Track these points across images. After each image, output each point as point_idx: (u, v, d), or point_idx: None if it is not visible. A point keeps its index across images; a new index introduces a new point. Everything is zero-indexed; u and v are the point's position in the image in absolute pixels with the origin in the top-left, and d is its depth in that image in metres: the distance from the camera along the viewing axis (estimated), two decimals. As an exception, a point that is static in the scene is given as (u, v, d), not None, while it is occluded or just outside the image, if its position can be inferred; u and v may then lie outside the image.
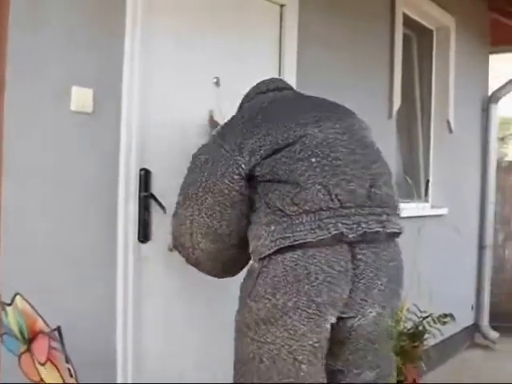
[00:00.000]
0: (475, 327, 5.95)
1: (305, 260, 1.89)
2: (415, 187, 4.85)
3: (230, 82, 2.86)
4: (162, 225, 2.52)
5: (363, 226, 1.95)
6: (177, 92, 2.64)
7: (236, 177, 2.02)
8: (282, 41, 3.18)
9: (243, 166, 2.01)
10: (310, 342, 1.93)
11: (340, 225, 1.91)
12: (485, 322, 5.95)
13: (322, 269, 1.89)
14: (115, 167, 2.37)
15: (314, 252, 1.90)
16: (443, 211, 4.93)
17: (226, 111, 2.76)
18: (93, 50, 2.27)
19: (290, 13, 3.19)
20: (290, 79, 3.14)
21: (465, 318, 5.72)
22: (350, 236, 1.92)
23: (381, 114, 4.08)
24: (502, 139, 19.46)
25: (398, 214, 2.12)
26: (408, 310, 3.70)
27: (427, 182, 4.96)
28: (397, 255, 2.10)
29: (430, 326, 3.74)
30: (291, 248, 1.90)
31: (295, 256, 1.90)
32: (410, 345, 3.45)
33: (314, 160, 1.98)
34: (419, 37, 5.04)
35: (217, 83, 2.80)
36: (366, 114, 3.83)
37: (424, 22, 4.95)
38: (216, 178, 2.04)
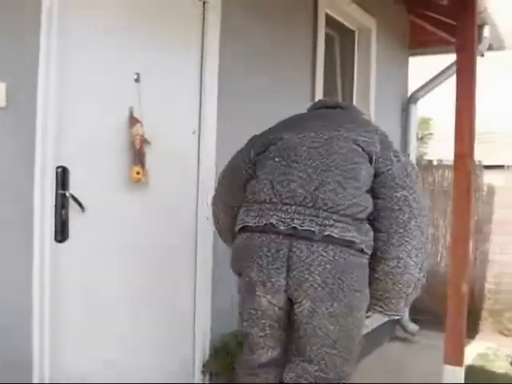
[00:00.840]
0: (396, 320, 6.10)
1: (248, 240, 2.25)
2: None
3: (151, 78, 2.82)
4: (80, 224, 2.46)
5: (296, 222, 2.15)
6: (95, 87, 2.58)
7: (246, 160, 2.47)
8: (204, 38, 3.14)
9: (251, 155, 2.46)
10: (248, 308, 2.28)
11: (275, 217, 2.19)
12: (405, 315, 6.10)
13: (255, 250, 2.20)
14: (30, 165, 2.30)
15: (254, 236, 2.22)
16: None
17: (146, 108, 2.73)
18: (6, 44, 2.19)
19: (212, 10, 3.16)
20: (211, 77, 3.15)
21: (385, 312, 5.87)
22: (281, 228, 2.16)
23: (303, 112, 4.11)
24: (421, 139, 20.13)
25: (350, 223, 2.16)
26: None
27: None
28: (338, 261, 2.14)
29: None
30: (243, 229, 2.29)
31: (244, 236, 2.29)
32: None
33: (276, 160, 2.31)
34: (342, 37, 5.12)
35: (137, 79, 2.75)
36: (287, 112, 3.89)
37: (346, 23, 5.03)
38: (236, 161, 2.55)
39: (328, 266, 2.12)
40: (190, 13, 3.09)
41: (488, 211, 7.10)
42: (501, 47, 6.57)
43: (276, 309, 2.23)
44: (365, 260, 2.22)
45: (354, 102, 5.12)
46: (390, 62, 5.69)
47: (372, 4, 5.12)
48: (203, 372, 3.19)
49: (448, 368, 3.88)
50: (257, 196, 2.28)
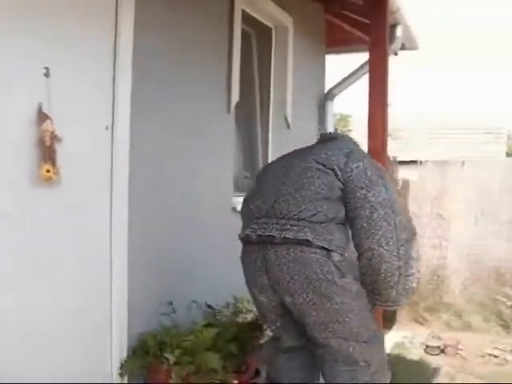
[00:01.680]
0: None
1: (242, 251, 2.83)
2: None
3: (62, 73, 2.73)
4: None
5: (260, 231, 2.66)
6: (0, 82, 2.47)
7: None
8: (117, 33, 3.06)
9: None
10: (256, 305, 2.90)
11: (249, 229, 2.73)
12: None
13: (243, 258, 2.80)
14: None
15: (244, 246, 2.81)
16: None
17: (56, 103, 2.65)
18: None
19: (126, 4, 3.07)
20: (124, 72, 3.08)
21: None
22: (254, 237, 2.68)
23: (219, 109, 4.12)
24: (340, 135, 20.50)
25: (305, 225, 2.57)
26: (248, 301, 3.79)
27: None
28: (298, 259, 2.53)
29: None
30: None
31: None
32: (249, 335, 3.54)
33: (256, 184, 2.94)
34: (259, 34, 5.14)
35: (46, 74, 2.65)
36: (203, 108, 3.89)
37: (263, 20, 5.06)
38: None
39: (291, 263, 2.54)
40: (103, 6, 3.01)
41: (403, 205, 7.33)
42: (413, 47, 6.79)
43: (273, 303, 2.72)
44: (326, 257, 2.52)
45: (272, 98, 5.17)
46: (307, 60, 5.77)
47: (289, 2, 5.18)
48: (121, 373, 3.13)
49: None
50: (243, 213, 2.92)
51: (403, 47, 6.46)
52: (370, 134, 3.71)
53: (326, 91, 6.24)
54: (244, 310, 3.76)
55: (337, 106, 6.50)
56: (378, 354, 2.71)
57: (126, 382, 3.15)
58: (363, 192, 2.56)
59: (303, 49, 5.58)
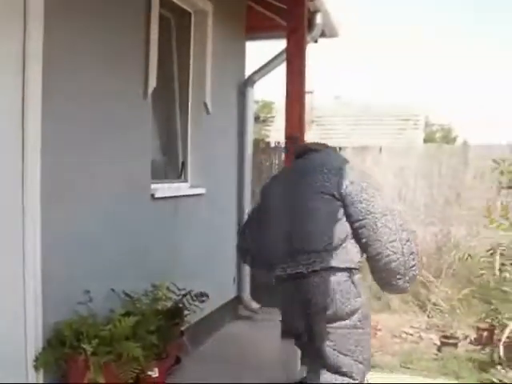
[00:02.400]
0: (238, 299, 6.25)
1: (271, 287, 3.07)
2: (173, 168, 4.92)
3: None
4: None
5: (289, 269, 2.91)
6: None
7: None
8: (26, 11, 2.93)
9: None
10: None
11: (279, 269, 2.96)
12: (246, 293, 6.27)
13: (273, 293, 3.09)
14: None
15: (275, 283, 3.02)
16: (201, 190, 5.07)
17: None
18: None
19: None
20: (35, 56, 2.97)
21: (228, 292, 5.99)
22: (285, 276, 2.92)
23: (135, 95, 4.05)
24: (263, 121, 20.73)
25: (328, 255, 2.87)
26: (168, 288, 3.78)
27: (182, 162, 5.05)
28: (327, 283, 2.86)
29: (190, 303, 3.86)
30: None
31: None
32: (169, 323, 3.53)
33: (261, 218, 3.21)
34: (178, 19, 5.08)
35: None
36: (119, 94, 3.81)
37: (182, 5, 4.99)
38: None
39: (317, 288, 2.85)
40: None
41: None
42: (333, 34, 6.87)
43: (299, 329, 2.98)
44: (347, 277, 2.88)
45: (190, 84, 5.13)
46: (227, 46, 5.75)
47: (208, -13, 5.13)
48: (36, 366, 3.04)
49: (286, 342, 4.02)
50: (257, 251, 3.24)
51: (323, 34, 6.53)
52: (287, 120, 3.75)
53: (246, 77, 6.23)
54: (163, 298, 3.74)
55: (260, 93, 6.53)
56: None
57: (41, 375, 3.07)
58: (363, 205, 2.85)
59: (223, 34, 5.55)
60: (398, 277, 2.91)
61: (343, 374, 2.95)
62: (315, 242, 2.92)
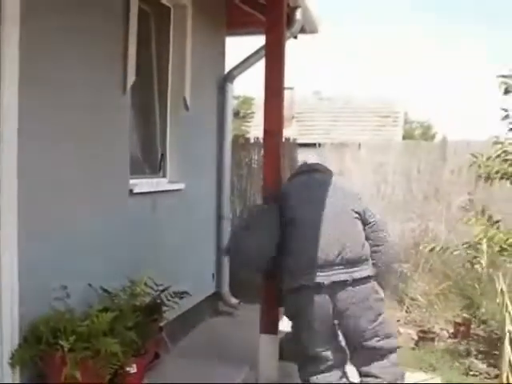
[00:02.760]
0: (217, 295, 6.25)
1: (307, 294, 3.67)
2: (152, 163, 4.90)
3: None
4: None
5: (333, 277, 3.57)
6: None
7: None
8: (2, 8, 2.89)
9: None
10: (311, 334, 3.71)
11: (321, 277, 3.58)
12: (225, 289, 6.27)
13: (308, 300, 3.65)
14: None
15: (310, 290, 3.64)
16: (180, 186, 5.05)
17: None
18: None
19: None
20: (11, 52, 2.93)
21: (207, 287, 5.99)
22: (326, 283, 3.56)
23: (114, 89, 4.02)
24: (243, 117, 20.73)
25: (365, 264, 3.68)
26: (146, 284, 3.76)
27: (161, 156, 5.02)
28: (364, 290, 3.63)
29: (168, 299, 3.85)
30: None
31: None
32: (147, 319, 3.51)
33: (295, 230, 3.80)
34: (157, 13, 5.04)
35: None
36: (98, 89, 3.79)
37: (161, -1, 4.97)
38: None
39: (356, 295, 3.60)
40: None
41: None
42: (313, 30, 6.87)
43: (328, 332, 3.76)
44: (376, 281, 3.75)
45: (170, 79, 5.11)
46: (207, 41, 5.74)
47: (187, -19, 5.11)
48: (12, 363, 3.01)
49: (264, 337, 4.05)
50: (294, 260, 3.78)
51: (303, 30, 6.53)
52: (265, 116, 3.74)
53: (226, 73, 6.22)
54: (142, 293, 3.72)
55: (240, 88, 6.53)
56: None
57: (17, 373, 3.03)
58: (383, 234, 3.81)
59: (203, 29, 5.53)
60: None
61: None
62: (357, 253, 3.61)
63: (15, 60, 2.97)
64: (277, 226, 3.68)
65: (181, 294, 3.98)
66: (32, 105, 3.11)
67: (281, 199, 3.77)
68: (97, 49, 3.76)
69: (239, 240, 3.78)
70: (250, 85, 8.02)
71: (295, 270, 3.63)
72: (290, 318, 3.84)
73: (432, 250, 5.55)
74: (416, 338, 5.59)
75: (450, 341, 5.58)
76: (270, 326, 4.06)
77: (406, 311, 6.30)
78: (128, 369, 3.22)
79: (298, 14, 5.96)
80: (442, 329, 5.82)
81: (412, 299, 6.35)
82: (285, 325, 5.23)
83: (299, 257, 3.61)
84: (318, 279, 3.52)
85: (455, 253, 5.56)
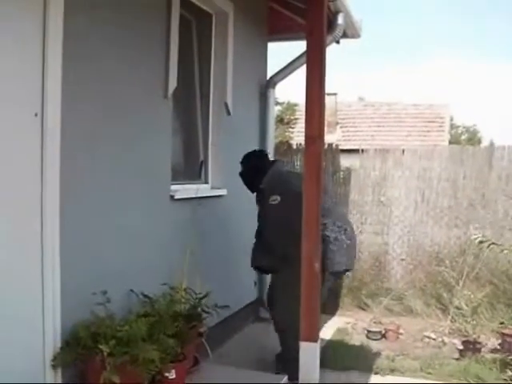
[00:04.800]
0: (259, 302, 6.23)
1: None
2: (194, 168, 4.91)
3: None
4: None
5: None
6: None
7: None
8: (46, 13, 2.94)
9: None
10: None
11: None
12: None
13: None
14: None
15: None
16: (222, 192, 5.06)
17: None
18: None
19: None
20: (55, 55, 2.98)
21: (249, 294, 5.98)
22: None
23: (156, 95, 4.05)
24: (287, 123, 20.71)
25: None
26: (185, 290, 3.76)
27: (201, 162, 5.04)
28: None
29: (208, 306, 3.84)
30: None
31: None
32: (187, 326, 3.51)
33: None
34: (199, 20, 5.08)
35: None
36: (140, 94, 3.82)
37: (203, 6, 5.00)
38: None
39: None
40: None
41: (345, 192, 7.42)
42: (355, 35, 6.83)
43: None
44: None
45: (211, 85, 5.13)
46: (249, 47, 5.75)
47: (229, -12, 5.13)
48: (54, 366, 3.05)
49: (304, 344, 3.99)
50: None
51: (345, 35, 6.49)
52: (306, 122, 3.70)
53: (267, 79, 6.22)
54: (182, 300, 3.73)
55: (284, 95, 6.53)
56: None
57: (59, 374, 3.08)
58: None
59: (244, 35, 5.54)
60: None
61: None
62: None
63: (58, 59, 3.02)
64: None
65: (221, 308, 3.95)
66: (76, 113, 3.16)
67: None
68: (139, 56, 3.80)
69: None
70: (294, 91, 8.00)
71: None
72: None
73: (481, 242, 5.35)
74: (461, 348, 5.45)
75: (496, 352, 5.42)
76: (310, 334, 4.00)
77: (451, 320, 6.16)
78: (167, 374, 3.22)
79: (340, 19, 5.94)
80: (488, 339, 5.67)
81: (457, 308, 6.20)
82: (326, 332, 5.20)
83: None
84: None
85: (505, 251, 5.39)
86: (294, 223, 3.71)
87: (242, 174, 4.71)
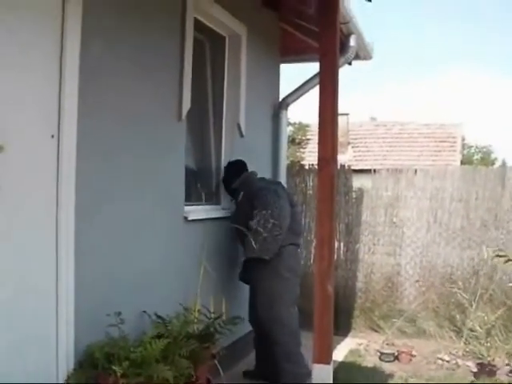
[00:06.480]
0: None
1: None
2: (207, 189, 4.93)
3: (4, 80, 2.67)
4: None
5: None
6: None
7: None
8: (64, 35, 2.99)
9: None
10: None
11: None
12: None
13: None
14: None
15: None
16: (234, 213, 5.06)
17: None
18: None
19: (73, 5, 3.01)
20: (71, 77, 3.02)
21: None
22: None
23: (170, 117, 4.09)
24: (298, 144, 20.74)
25: None
26: (199, 311, 3.76)
27: (216, 183, 5.09)
28: None
29: (221, 327, 3.84)
30: None
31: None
32: (200, 346, 3.50)
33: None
34: (212, 43, 5.14)
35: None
36: (154, 116, 3.85)
37: (216, 29, 5.05)
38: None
39: None
40: (48, 6, 2.93)
41: (357, 213, 7.40)
42: (367, 57, 6.87)
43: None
44: None
45: (224, 107, 5.17)
46: (261, 69, 5.79)
47: (242, 11, 5.19)
48: (67, 385, 3.06)
49: (317, 366, 3.96)
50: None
51: (357, 57, 6.53)
52: (319, 143, 3.72)
53: (280, 100, 6.25)
54: (195, 321, 3.73)
55: (296, 115, 6.56)
56: None
57: (72, 396, 3.08)
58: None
59: (257, 57, 5.59)
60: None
61: None
62: None
63: (75, 79, 3.06)
64: None
65: (233, 320, 3.96)
66: (92, 134, 3.19)
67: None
68: (153, 77, 3.84)
69: None
70: (305, 111, 8.04)
71: None
72: None
73: (498, 256, 5.27)
74: (476, 370, 5.40)
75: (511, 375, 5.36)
76: (323, 356, 3.98)
77: (465, 342, 6.10)
78: (180, 396, 3.21)
79: (352, 41, 5.99)
80: (503, 362, 5.61)
81: (471, 330, 6.15)
82: (338, 354, 5.16)
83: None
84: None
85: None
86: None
87: (223, 179, 5.08)
